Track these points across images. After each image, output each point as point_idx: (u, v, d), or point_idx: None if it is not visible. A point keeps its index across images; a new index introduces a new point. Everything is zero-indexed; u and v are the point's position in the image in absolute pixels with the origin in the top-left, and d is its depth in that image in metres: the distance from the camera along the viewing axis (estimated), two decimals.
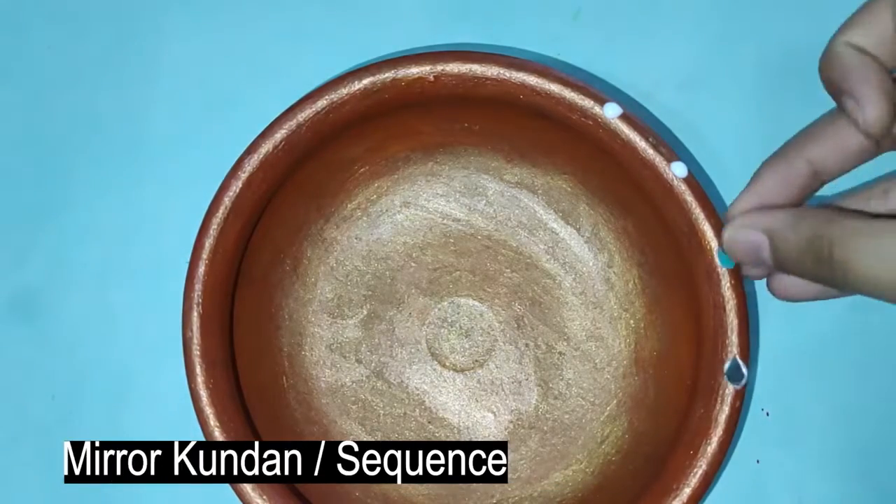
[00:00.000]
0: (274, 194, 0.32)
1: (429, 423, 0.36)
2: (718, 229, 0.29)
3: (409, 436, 0.36)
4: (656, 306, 0.34)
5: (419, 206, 0.36)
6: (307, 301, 0.36)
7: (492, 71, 0.31)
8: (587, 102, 0.31)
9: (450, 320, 0.36)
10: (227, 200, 0.31)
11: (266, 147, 0.31)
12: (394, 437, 0.35)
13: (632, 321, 0.35)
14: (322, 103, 0.31)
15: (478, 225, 0.36)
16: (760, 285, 0.32)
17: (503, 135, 0.35)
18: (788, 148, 0.26)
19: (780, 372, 0.36)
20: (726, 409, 0.29)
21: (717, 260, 0.29)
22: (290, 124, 0.31)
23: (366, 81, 0.31)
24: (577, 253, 0.36)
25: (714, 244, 0.30)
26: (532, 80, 0.31)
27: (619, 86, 0.37)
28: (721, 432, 0.29)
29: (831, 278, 0.23)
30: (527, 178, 0.36)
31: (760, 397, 0.36)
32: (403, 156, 0.36)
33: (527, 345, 0.36)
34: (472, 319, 0.36)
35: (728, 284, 0.30)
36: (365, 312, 0.36)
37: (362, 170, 0.36)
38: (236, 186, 0.31)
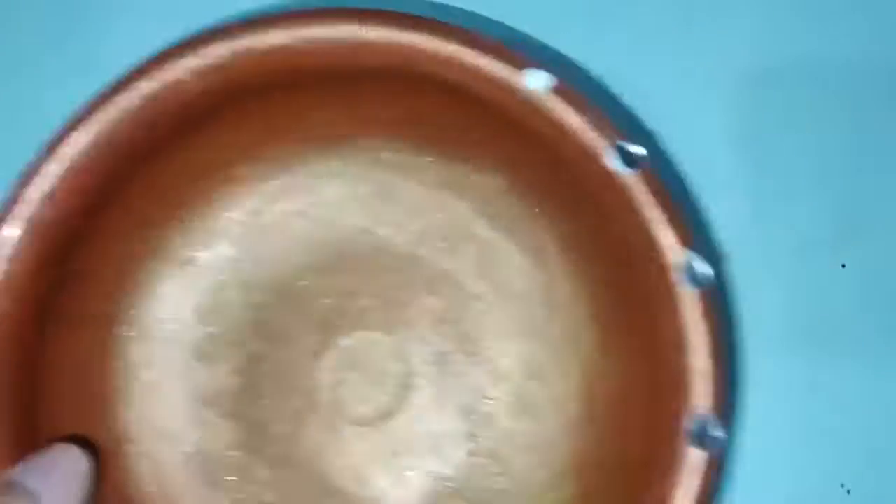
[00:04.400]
0: (100, 207, 0.25)
1: (324, 495, 0.28)
2: (684, 236, 0.22)
3: None
4: (612, 336, 0.27)
5: (315, 216, 0.28)
6: (163, 341, 0.28)
7: (374, 33, 0.23)
8: (501, 69, 0.23)
9: (353, 361, 0.28)
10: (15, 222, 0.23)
11: (68, 151, 0.23)
12: None
13: (581, 354, 0.27)
14: (146, 87, 0.23)
15: (390, 238, 0.28)
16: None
17: (421, 122, 0.27)
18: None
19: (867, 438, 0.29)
20: (693, 485, 0.21)
21: (681, 277, 0.22)
22: (102, 117, 0.23)
23: (201, 55, 0.23)
24: (514, 269, 0.28)
25: (677, 255, 0.22)
26: (427, 42, 0.23)
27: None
28: None
29: None
30: (451, 177, 0.28)
31: (840, 470, 0.29)
32: (294, 153, 0.28)
33: (450, 388, 0.28)
34: (382, 359, 0.29)
35: (696, 312, 0.22)
36: (243, 354, 0.28)
37: (238, 172, 0.28)
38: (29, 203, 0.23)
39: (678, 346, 0.22)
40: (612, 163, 0.22)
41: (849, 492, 0.29)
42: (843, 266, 0.30)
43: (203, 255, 0.28)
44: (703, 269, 0.21)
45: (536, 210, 0.27)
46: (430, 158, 0.28)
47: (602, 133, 0.22)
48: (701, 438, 0.21)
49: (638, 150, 0.22)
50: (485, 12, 0.30)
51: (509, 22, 0.30)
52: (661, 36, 0.30)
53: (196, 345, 0.28)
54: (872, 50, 0.30)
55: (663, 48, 0.30)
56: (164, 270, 0.28)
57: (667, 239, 0.22)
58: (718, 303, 0.22)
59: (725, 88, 0.30)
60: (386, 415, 0.28)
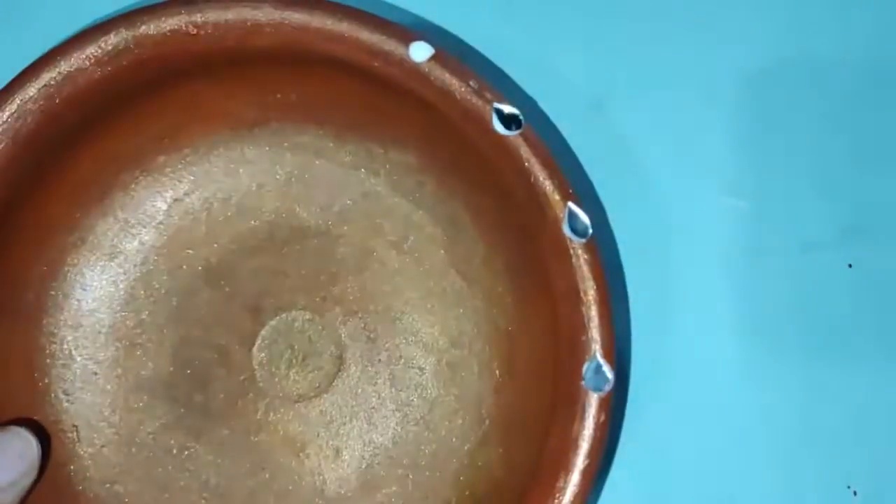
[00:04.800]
0: (16, 203, 0.25)
1: (262, 469, 0.29)
2: (565, 191, 0.22)
3: (239, 490, 0.28)
4: (526, 302, 0.27)
5: (236, 202, 0.29)
6: (94, 330, 0.28)
7: (262, 13, 0.24)
8: (388, 44, 0.24)
9: (285, 340, 0.29)
10: None
11: None
12: (227, 493, 0.28)
13: (500, 321, 0.28)
14: (46, 78, 0.24)
15: (311, 220, 0.29)
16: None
17: (330, 104, 0.28)
18: None
19: (873, 438, 0.29)
20: (589, 425, 0.22)
21: (565, 230, 0.22)
22: (6, 110, 0.24)
23: (99, 43, 0.24)
24: (432, 243, 0.29)
25: (558, 208, 0.22)
26: (316, 21, 0.24)
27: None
28: (583, 456, 0.22)
29: None
30: (365, 157, 0.29)
31: (847, 471, 0.29)
32: (209, 141, 0.29)
33: (380, 361, 0.29)
34: (313, 337, 0.29)
35: (583, 261, 0.22)
36: (175, 338, 0.29)
37: (156, 162, 0.29)
38: None
39: (568, 295, 0.22)
40: (496, 125, 0.23)
41: (855, 493, 0.29)
42: (850, 266, 0.30)
43: (129, 245, 0.29)
44: (585, 220, 0.22)
45: (448, 181, 0.28)
46: (342, 140, 0.29)
47: (481, 96, 0.23)
48: (595, 380, 0.22)
49: (513, 110, 0.23)
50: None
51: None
52: (663, 36, 0.30)
53: (128, 332, 0.29)
54: (874, 49, 0.30)
55: (665, 48, 0.30)
56: (92, 261, 0.28)
57: (548, 188, 0.23)
58: (601, 253, 0.23)
59: (727, 89, 0.30)
60: (320, 390, 0.29)
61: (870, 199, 0.30)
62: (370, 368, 0.29)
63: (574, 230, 0.22)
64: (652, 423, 0.29)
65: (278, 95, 0.28)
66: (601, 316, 0.22)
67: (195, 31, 0.24)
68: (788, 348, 0.30)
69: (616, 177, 0.29)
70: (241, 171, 0.29)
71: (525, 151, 0.23)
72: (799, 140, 0.30)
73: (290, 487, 0.29)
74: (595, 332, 0.22)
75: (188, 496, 0.28)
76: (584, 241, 0.22)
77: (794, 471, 0.29)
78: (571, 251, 0.22)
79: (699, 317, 0.29)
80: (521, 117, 0.23)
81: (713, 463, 0.29)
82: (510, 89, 0.29)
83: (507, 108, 0.23)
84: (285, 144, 0.29)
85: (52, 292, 0.28)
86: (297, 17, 0.24)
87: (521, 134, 0.23)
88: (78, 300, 0.28)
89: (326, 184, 0.29)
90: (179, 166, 0.29)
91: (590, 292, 0.22)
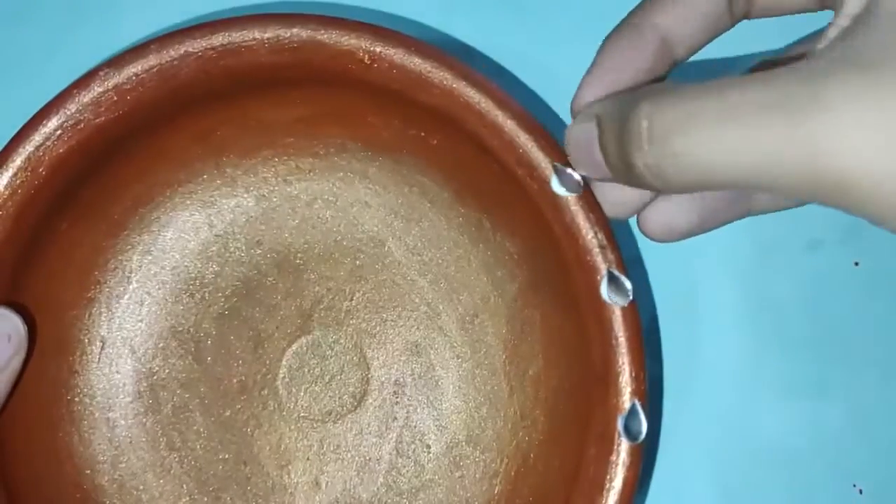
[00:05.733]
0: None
1: (243, 464, 0.29)
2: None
3: (216, 472, 0.29)
4: (555, 442, 0.27)
5: (338, 207, 0.29)
6: (161, 261, 0.29)
7: (439, 76, 0.24)
8: (537, 158, 0.23)
9: (318, 354, 0.29)
10: None
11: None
12: (203, 468, 0.29)
13: (524, 443, 0.28)
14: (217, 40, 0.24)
15: (395, 255, 0.29)
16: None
17: (460, 163, 0.27)
18: (632, 15, 0.22)
19: (879, 437, 0.29)
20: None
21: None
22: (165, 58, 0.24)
23: (280, 33, 0.24)
24: (496, 337, 0.29)
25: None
26: (481, 104, 0.23)
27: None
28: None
29: (657, 174, 0.19)
30: (474, 224, 0.28)
31: (853, 469, 0.29)
32: (338, 143, 0.29)
33: (395, 419, 0.29)
34: (346, 367, 0.29)
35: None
36: (227, 306, 0.29)
37: (287, 140, 0.29)
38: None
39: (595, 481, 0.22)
40: (603, 288, 0.22)
41: (861, 491, 0.29)
42: (857, 264, 0.29)
43: (226, 202, 0.29)
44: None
45: (534, 293, 0.28)
46: (461, 197, 0.28)
47: (602, 253, 0.22)
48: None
49: (624, 281, 0.22)
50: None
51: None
52: None
53: (187, 280, 0.29)
54: None
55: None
56: (187, 202, 0.29)
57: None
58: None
59: None
60: (329, 418, 0.29)
61: None
62: (383, 421, 0.29)
63: (628, 432, 0.22)
64: (654, 417, 0.30)
65: (421, 133, 0.27)
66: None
67: (369, 61, 0.24)
68: (794, 346, 0.30)
69: None
70: (357, 183, 0.29)
71: (619, 326, 0.22)
72: None
73: (260, 493, 0.29)
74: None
75: (166, 453, 0.28)
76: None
77: (799, 469, 0.29)
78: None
79: (704, 314, 0.29)
80: (629, 290, 0.22)
81: (716, 459, 0.29)
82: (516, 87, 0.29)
83: (619, 275, 0.22)
84: (406, 177, 0.28)
85: (138, 217, 0.28)
86: (469, 95, 0.24)
87: (621, 307, 0.22)
88: (158, 232, 0.29)
89: (428, 230, 0.29)
90: (306, 156, 0.29)
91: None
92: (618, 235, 0.25)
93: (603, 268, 0.23)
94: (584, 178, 0.23)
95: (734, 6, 0.22)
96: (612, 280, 0.23)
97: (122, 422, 0.28)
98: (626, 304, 0.23)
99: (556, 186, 0.24)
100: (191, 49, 0.24)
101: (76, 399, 0.28)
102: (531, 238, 0.27)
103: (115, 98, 0.24)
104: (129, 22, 0.30)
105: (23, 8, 0.30)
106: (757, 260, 0.29)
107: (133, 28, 0.30)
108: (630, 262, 0.27)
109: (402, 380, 0.29)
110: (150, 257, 0.29)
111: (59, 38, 0.30)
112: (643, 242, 0.30)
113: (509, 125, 0.24)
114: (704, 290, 0.29)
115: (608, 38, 0.23)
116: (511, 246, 0.28)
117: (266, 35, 0.24)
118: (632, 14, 0.23)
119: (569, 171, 0.23)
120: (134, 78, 0.24)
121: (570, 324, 0.26)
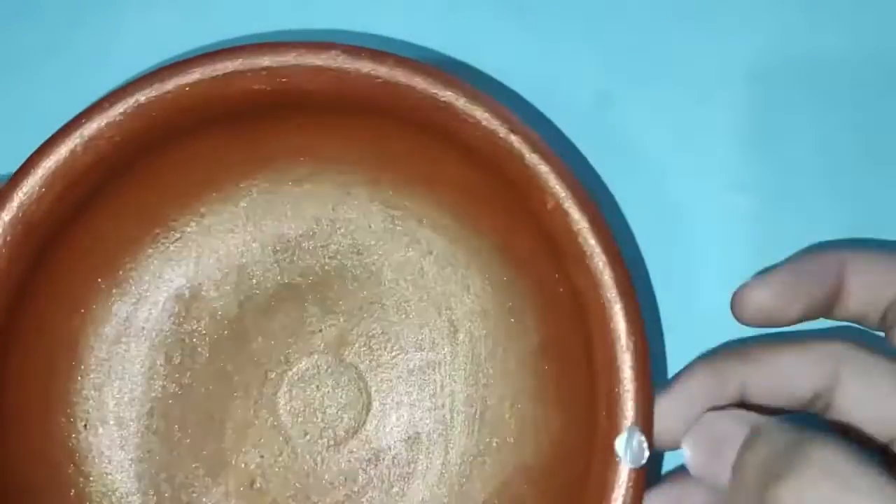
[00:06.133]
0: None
1: (219, 466, 0.28)
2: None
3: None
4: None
5: (317, 237, 0.29)
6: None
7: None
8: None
9: (320, 380, 0.28)
10: None
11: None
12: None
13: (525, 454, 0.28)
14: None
15: (394, 284, 0.29)
16: None
17: (464, 186, 0.27)
18: (725, 364, 0.24)
19: None
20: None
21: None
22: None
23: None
24: (499, 355, 0.28)
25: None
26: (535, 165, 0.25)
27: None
28: None
29: None
30: (473, 258, 0.28)
31: None
32: (313, 173, 0.28)
33: (383, 461, 0.28)
34: (343, 397, 0.28)
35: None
36: (232, 313, 0.28)
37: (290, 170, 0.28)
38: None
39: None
40: (620, 445, 0.24)
41: None
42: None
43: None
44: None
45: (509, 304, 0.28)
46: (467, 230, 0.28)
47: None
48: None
49: (644, 445, 0.24)
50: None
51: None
52: (666, 36, 0.30)
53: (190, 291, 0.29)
54: (879, 47, 0.30)
55: (668, 49, 0.30)
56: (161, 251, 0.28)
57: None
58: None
59: (733, 88, 0.30)
60: (323, 443, 0.28)
61: (878, 196, 0.29)
62: (372, 464, 0.28)
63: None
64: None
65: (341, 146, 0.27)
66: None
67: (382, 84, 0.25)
68: None
69: (622, 175, 0.29)
70: (337, 209, 0.28)
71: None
72: (808, 137, 0.29)
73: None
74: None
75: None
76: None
77: None
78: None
79: (705, 315, 0.28)
80: (646, 452, 0.23)
81: None
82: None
83: (642, 440, 0.23)
84: (409, 204, 0.28)
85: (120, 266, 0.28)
86: (518, 151, 0.25)
87: (633, 469, 0.24)
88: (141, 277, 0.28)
89: (427, 264, 0.28)
90: (291, 187, 0.28)
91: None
92: (618, 235, 0.25)
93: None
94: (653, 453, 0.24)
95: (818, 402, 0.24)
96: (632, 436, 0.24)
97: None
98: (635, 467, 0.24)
99: (620, 446, 0.23)
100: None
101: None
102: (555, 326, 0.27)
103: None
104: (130, 22, 0.30)
105: (23, 8, 0.30)
106: (757, 260, 0.29)
107: (133, 28, 0.30)
108: (630, 262, 0.27)
109: (412, 424, 0.28)
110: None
111: (59, 38, 0.30)
112: (644, 242, 0.30)
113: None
114: (702, 291, 0.29)
115: (696, 371, 0.24)
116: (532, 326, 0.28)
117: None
118: (724, 361, 0.24)
119: (643, 439, 0.23)
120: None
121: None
